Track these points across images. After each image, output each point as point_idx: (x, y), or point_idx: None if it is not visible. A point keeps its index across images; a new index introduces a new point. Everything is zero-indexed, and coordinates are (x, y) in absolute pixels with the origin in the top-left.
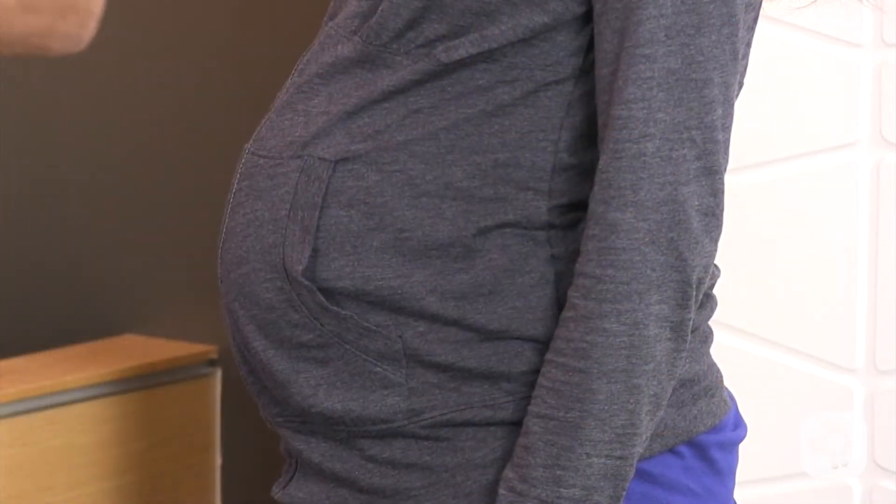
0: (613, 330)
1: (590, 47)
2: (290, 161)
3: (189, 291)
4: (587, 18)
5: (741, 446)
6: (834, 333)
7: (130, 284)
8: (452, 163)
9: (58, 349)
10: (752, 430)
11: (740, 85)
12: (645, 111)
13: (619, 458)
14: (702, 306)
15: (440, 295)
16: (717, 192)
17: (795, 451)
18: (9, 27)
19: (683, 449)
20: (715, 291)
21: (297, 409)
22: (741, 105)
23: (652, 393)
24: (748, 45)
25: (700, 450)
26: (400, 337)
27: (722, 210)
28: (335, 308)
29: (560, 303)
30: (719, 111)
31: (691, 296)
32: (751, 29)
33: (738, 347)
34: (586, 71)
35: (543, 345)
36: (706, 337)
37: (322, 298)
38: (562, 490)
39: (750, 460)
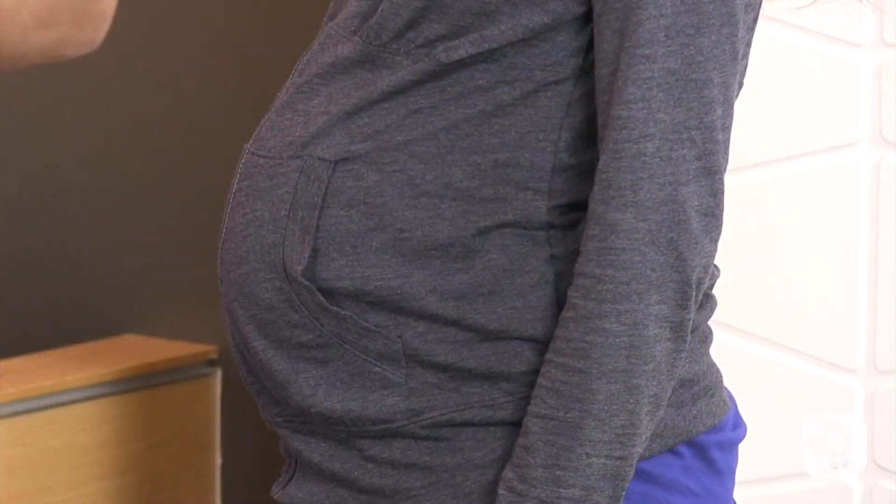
0: (613, 330)
1: (590, 47)
2: (289, 161)
3: (189, 291)
4: (587, 19)
5: (741, 446)
6: (834, 333)
7: (130, 284)
8: (452, 163)
9: (58, 349)
10: (752, 430)
11: (740, 85)
12: (645, 111)
13: (619, 458)
14: (701, 306)
15: (440, 295)
16: (716, 193)
17: (795, 451)
18: (25, 43)
19: (683, 449)
20: (715, 291)
21: (297, 409)
22: (741, 105)
23: (652, 393)
24: (748, 45)
25: (700, 450)
26: (399, 337)
27: (722, 210)
28: (335, 308)
29: (560, 303)
30: (719, 111)
31: (691, 296)
32: (751, 29)
33: (738, 347)
34: (586, 71)
35: (543, 345)
36: (706, 337)
37: (322, 298)
38: (561, 490)
39: (750, 460)
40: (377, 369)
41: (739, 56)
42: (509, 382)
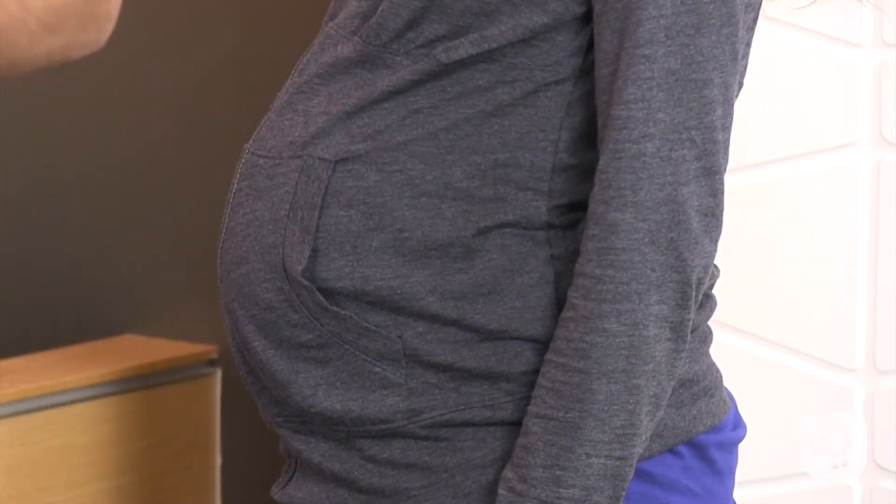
0: (613, 330)
1: (589, 47)
2: (289, 161)
3: (189, 291)
4: (587, 19)
5: (741, 446)
6: (834, 333)
7: (130, 284)
8: (452, 163)
9: (58, 349)
10: (752, 430)
11: (740, 85)
12: (645, 111)
13: (619, 458)
14: (701, 306)
15: (440, 295)
16: (716, 193)
17: (795, 451)
18: (33, 51)
19: (683, 449)
20: (715, 291)
21: (297, 409)
22: (741, 105)
23: (651, 393)
24: (748, 45)
25: (699, 450)
26: (399, 337)
27: (722, 210)
28: (335, 308)
29: (559, 303)
30: (719, 111)
31: (691, 296)
32: (750, 29)
33: (738, 347)
34: (586, 71)
35: (543, 345)
36: (706, 337)
37: (321, 298)
38: (561, 490)
39: (750, 460)
40: (377, 369)
41: (739, 56)
42: (509, 382)
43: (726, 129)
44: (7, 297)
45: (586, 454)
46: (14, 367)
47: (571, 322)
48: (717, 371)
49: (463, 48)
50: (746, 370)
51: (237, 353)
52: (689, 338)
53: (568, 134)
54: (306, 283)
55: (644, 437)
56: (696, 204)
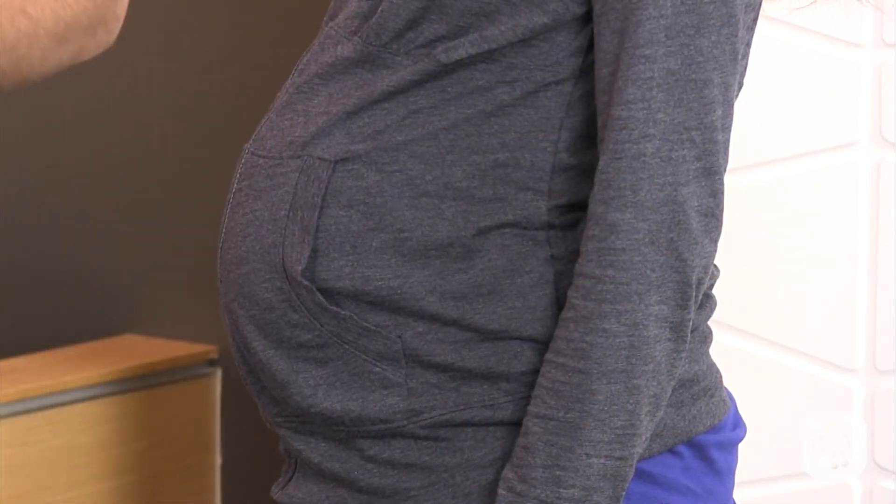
0: (613, 330)
1: (589, 48)
2: (289, 161)
3: (189, 291)
4: (587, 19)
5: (741, 446)
6: (834, 333)
7: (130, 284)
8: (452, 163)
9: (58, 349)
10: (752, 430)
11: (740, 85)
12: (645, 112)
13: (619, 458)
14: (701, 306)
15: (439, 295)
16: (716, 193)
17: (795, 451)
18: (44, 63)
19: (683, 449)
20: (715, 291)
21: (297, 409)
22: (741, 105)
23: (651, 393)
24: (748, 45)
25: (699, 450)
26: (399, 337)
27: (722, 210)
28: (334, 308)
29: (559, 303)
30: (719, 112)
31: (691, 296)
32: (750, 29)
33: (738, 347)
34: (586, 71)
35: (543, 345)
36: (705, 337)
37: (321, 298)
38: (561, 490)
39: (750, 460)
40: (377, 369)
41: (739, 56)
42: (509, 382)
43: (726, 129)
44: (7, 297)
45: (586, 454)
46: (14, 367)
47: (571, 322)
48: (717, 371)
49: (463, 48)
50: (746, 370)
51: (237, 353)
52: (689, 338)
53: (568, 134)
54: (306, 283)
55: (644, 438)
56: (696, 204)
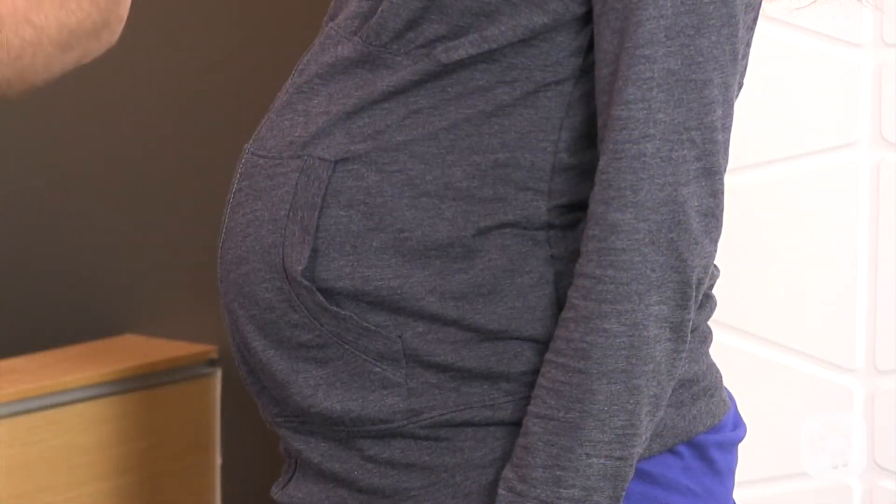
0: (613, 330)
1: (590, 48)
2: (289, 161)
3: (189, 291)
4: (587, 19)
5: (741, 446)
6: (834, 333)
7: (130, 284)
8: (452, 163)
9: (58, 349)
10: (752, 430)
11: (740, 85)
12: (645, 112)
13: (619, 458)
14: (701, 306)
15: (440, 295)
16: (716, 193)
17: (795, 451)
18: (48, 70)
19: (683, 449)
20: (715, 291)
21: (297, 409)
22: (741, 105)
23: (652, 393)
24: (748, 45)
25: (699, 450)
26: (399, 337)
27: (722, 211)
28: (334, 308)
29: (559, 303)
30: (719, 112)
31: (691, 296)
32: (750, 29)
33: (738, 347)
34: (586, 71)
35: (543, 345)
36: (705, 337)
37: (321, 298)
38: (561, 490)
39: (750, 460)
40: (377, 369)
41: (739, 56)
42: (509, 382)
43: (726, 129)
44: (7, 297)
45: (586, 454)
46: (14, 367)
47: (571, 322)
48: (717, 371)
49: (463, 48)
50: (746, 370)
51: (237, 353)
52: (689, 338)
53: (568, 134)
54: (306, 283)
55: (644, 438)
56: (696, 204)
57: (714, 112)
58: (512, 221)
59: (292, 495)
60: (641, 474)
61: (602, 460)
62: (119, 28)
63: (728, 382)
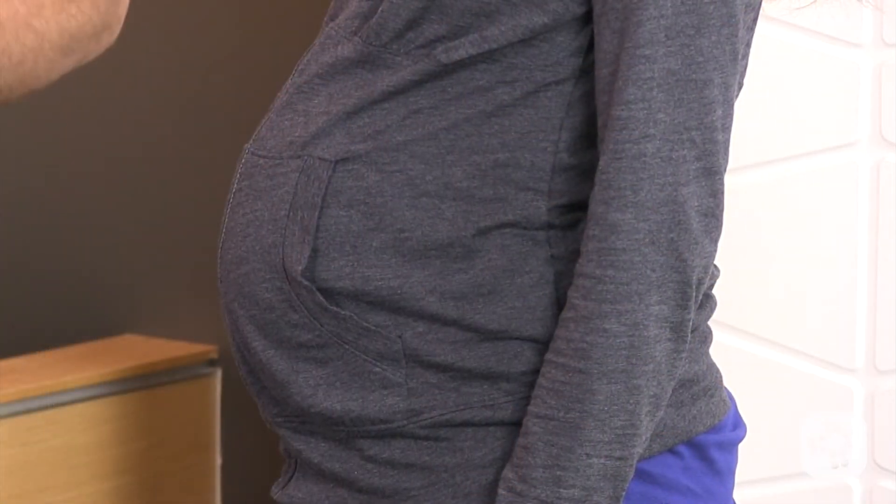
0: (613, 330)
1: (590, 48)
2: (289, 161)
3: (189, 291)
4: (587, 19)
5: (741, 446)
6: (834, 333)
7: (130, 284)
8: (452, 163)
9: (58, 349)
10: (752, 430)
11: (740, 85)
12: (645, 112)
13: (619, 458)
14: (701, 306)
15: (440, 295)
16: (716, 193)
17: (795, 451)
18: (49, 75)
19: (683, 449)
20: (715, 291)
21: (297, 409)
22: (741, 105)
23: (652, 393)
24: (748, 45)
25: (699, 450)
26: (399, 337)
27: (722, 211)
28: (334, 308)
29: (559, 303)
30: (719, 112)
31: (691, 296)
32: (750, 29)
33: (738, 347)
34: (586, 71)
35: (543, 345)
36: (705, 337)
37: (321, 298)
38: (561, 490)
39: (750, 460)
40: (377, 369)
41: (739, 56)
42: (509, 382)
43: (726, 129)
44: (7, 297)
45: (586, 454)
46: (14, 367)
47: (572, 322)
48: (717, 371)
49: (463, 48)
50: (746, 370)
51: (237, 353)
52: (689, 338)
53: (568, 134)
54: (306, 283)
55: (644, 438)
56: (696, 204)
57: (714, 112)
58: (512, 221)
59: (292, 495)
60: (641, 474)
61: (602, 460)
62: (118, 28)
63: (728, 382)
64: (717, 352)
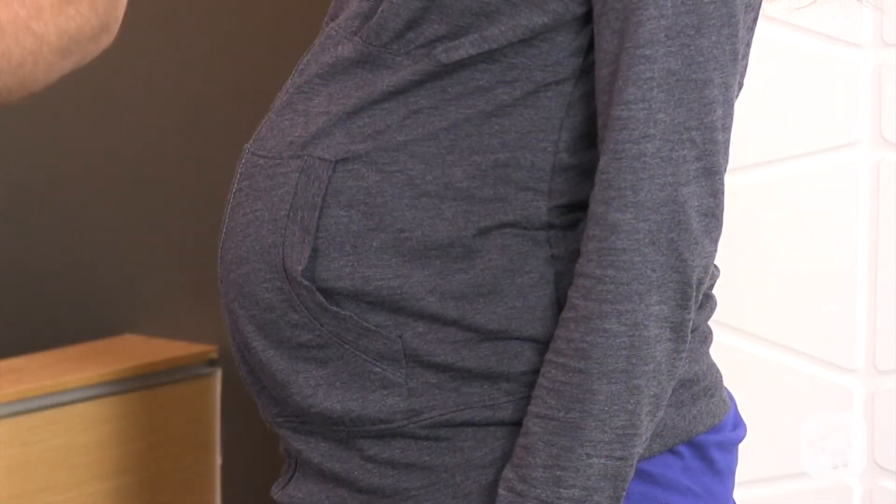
0: (614, 330)
1: (590, 48)
2: (289, 161)
3: (189, 291)
4: (587, 19)
5: (741, 446)
6: (834, 333)
7: (130, 284)
8: (452, 163)
9: (58, 349)
10: (752, 430)
11: (740, 85)
12: (645, 112)
13: (619, 458)
14: (701, 306)
15: (440, 295)
16: (716, 193)
17: (795, 451)
18: (48, 77)
19: (683, 449)
20: (715, 291)
21: (297, 410)
22: (741, 105)
23: (652, 393)
24: (748, 45)
25: (699, 450)
26: (399, 337)
27: (722, 211)
28: (335, 308)
29: (560, 303)
30: (719, 112)
31: (691, 296)
32: (750, 29)
33: (738, 347)
34: (586, 71)
35: (543, 345)
36: (706, 337)
37: (321, 298)
38: (562, 490)
39: (750, 460)
40: (377, 369)
41: (739, 56)
42: (509, 382)
43: (726, 129)
44: (7, 297)
45: (587, 454)
46: (14, 367)
47: (572, 322)
48: (717, 371)
49: (463, 48)
50: (746, 370)
51: (237, 353)
52: (689, 338)
53: (568, 134)
54: (306, 283)
55: (644, 438)
56: (696, 204)
57: (714, 112)
58: (512, 221)
59: (292, 495)
60: (641, 474)
61: (602, 460)
62: (116, 29)
63: (728, 382)
64: (717, 352)
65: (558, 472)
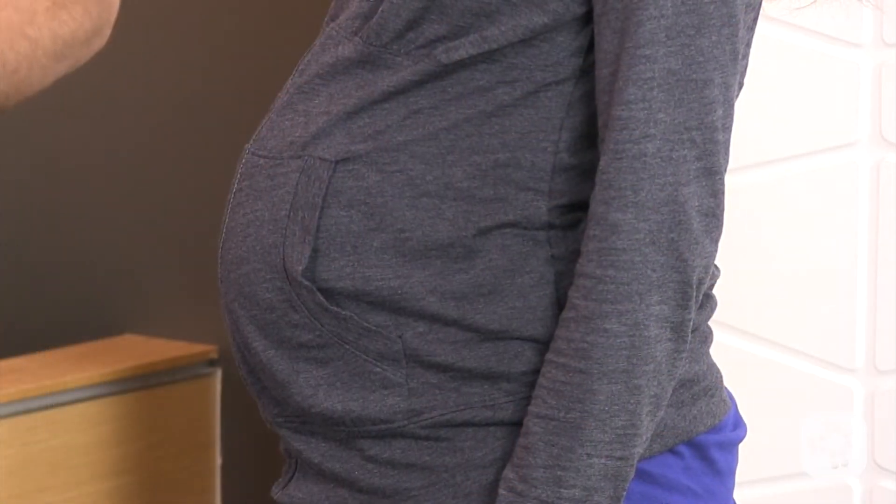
0: (614, 330)
1: (590, 48)
2: (290, 161)
3: (189, 291)
4: (587, 19)
5: (741, 446)
6: (834, 333)
7: (130, 284)
8: (452, 163)
9: (58, 349)
10: (752, 430)
11: (740, 85)
12: (645, 112)
13: (620, 458)
14: (702, 306)
15: (440, 295)
16: (717, 193)
17: (795, 451)
18: (43, 81)
19: (683, 449)
20: (715, 291)
21: (297, 410)
22: (741, 105)
23: (652, 393)
24: (748, 45)
25: (700, 450)
26: (400, 337)
27: (722, 211)
28: (335, 308)
29: (560, 303)
30: (719, 112)
31: (692, 296)
32: (751, 29)
33: (738, 347)
34: (586, 71)
35: (543, 345)
36: (706, 337)
37: (322, 298)
38: (562, 490)
39: (750, 460)
40: (377, 369)
41: (740, 56)
42: (509, 382)
43: (727, 129)
44: (7, 297)
45: (587, 454)
46: (14, 367)
47: (572, 322)
48: (718, 371)
49: (463, 48)
50: (746, 370)
51: (237, 354)
52: (689, 338)
53: (568, 134)
54: (307, 283)
55: (645, 438)
56: (696, 204)
57: (715, 112)
58: (512, 221)
59: (292, 495)
60: (642, 474)
61: (603, 460)
62: (108, 32)
63: (728, 382)
64: (717, 352)
65: (559, 472)
